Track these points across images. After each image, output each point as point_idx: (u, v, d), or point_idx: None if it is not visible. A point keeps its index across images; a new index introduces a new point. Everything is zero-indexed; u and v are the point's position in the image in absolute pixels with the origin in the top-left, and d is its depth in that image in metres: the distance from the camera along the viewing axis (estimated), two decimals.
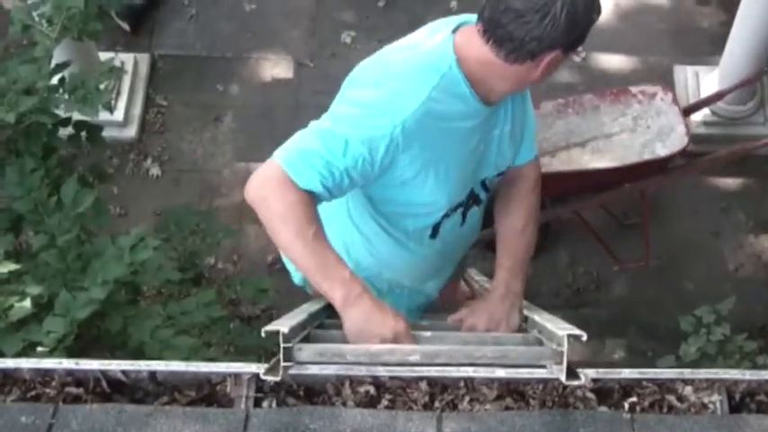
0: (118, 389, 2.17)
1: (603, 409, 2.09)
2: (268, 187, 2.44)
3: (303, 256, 2.41)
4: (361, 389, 2.10)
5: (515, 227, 2.87)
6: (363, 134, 2.43)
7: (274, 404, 2.09)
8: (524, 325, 2.66)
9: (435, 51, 2.49)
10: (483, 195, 2.88)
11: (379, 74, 2.55)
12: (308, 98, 5.30)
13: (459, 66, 2.47)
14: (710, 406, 2.10)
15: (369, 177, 2.50)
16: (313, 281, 2.44)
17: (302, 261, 2.42)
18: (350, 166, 2.43)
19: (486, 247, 3.87)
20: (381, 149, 2.44)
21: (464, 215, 2.87)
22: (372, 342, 2.30)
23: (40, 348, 2.75)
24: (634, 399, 2.10)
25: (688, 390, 2.12)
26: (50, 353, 2.72)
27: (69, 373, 2.15)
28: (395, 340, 2.31)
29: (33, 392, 2.13)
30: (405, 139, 2.44)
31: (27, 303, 2.81)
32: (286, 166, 2.41)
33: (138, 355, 2.87)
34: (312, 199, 2.44)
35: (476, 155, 2.67)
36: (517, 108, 2.71)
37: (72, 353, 2.74)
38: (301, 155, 2.43)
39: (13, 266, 2.90)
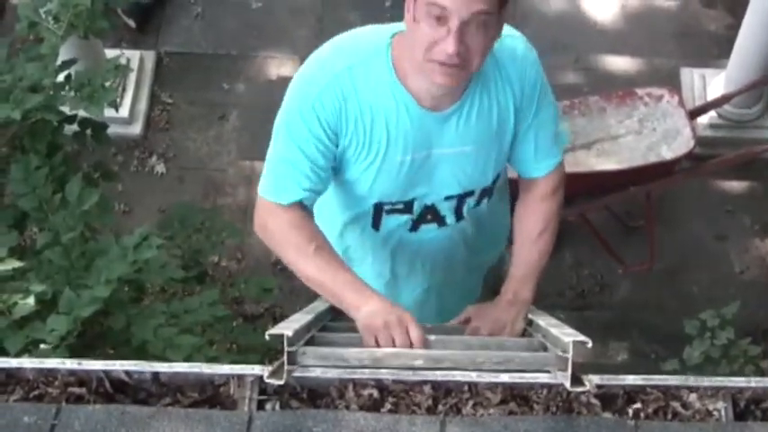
0: (121, 389, 2.16)
1: (607, 415, 2.08)
2: (262, 219, 2.60)
3: (309, 274, 2.50)
4: (365, 392, 2.09)
5: (529, 234, 2.80)
6: (292, 112, 2.50)
7: (278, 406, 2.08)
8: (529, 329, 2.65)
9: (370, 39, 2.52)
10: (450, 219, 2.81)
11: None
12: None
13: (393, 62, 2.47)
14: (715, 413, 2.09)
15: (331, 154, 2.53)
16: (324, 295, 2.51)
17: (310, 278, 2.50)
18: (306, 152, 2.50)
19: None
20: (318, 126, 2.48)
21: (415, 224, 2.80)
22: (381, 330, 2.31)
23: (43, 346, 2.75)
24: (638, 405, 2.09)
25: (693, 397, 2.11)
26: (53, 350, 2.72)
27: (72, 372, 2.14)
28: (400, 325, 2.30)
29: (36, 392, 2.12)
30: (331, 102, 2.46)
31: (31, 301, 2.81)
32: (265, 194, 2.57)
33: (141, 353, 2.87)
34: (303, 211, 2.54)
35: (410, 166, 2.59)
36: (508, 122, 2.60)
37: (75, 351, 2.74)
38: (271, 175, 2.57)
39: (17, 264, 2.89)
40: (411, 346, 2.28)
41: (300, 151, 2.50)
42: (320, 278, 2.47)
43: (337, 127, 2.50)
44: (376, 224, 2.82)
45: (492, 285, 3.24)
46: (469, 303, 2.91)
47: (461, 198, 2.75)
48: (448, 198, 2.73)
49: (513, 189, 2.94)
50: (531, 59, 2.57)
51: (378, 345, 2.31)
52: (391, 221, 2.79)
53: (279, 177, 2.55)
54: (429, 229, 2.83)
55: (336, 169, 2.63)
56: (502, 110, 2.56)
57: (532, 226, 2.79)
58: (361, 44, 2.53)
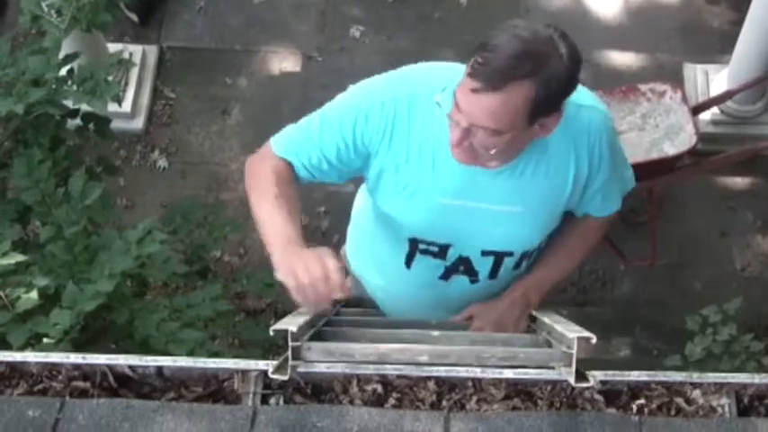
0: (125, 384, 2.17)
1: (611, 410, 2.08)
2: (251, 160, 2.61)
3: (260, 209, 2.46)
4: (369, 387, 2.10)
5: (565, 247, 2.74)
6: (341, 108, 2.49)
7: (281, 401, 2.08)
8: (533, 326, 2.64)
9: (443, 76, 2.38)
10: (483, 275, 2.71)
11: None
12: (315, 92, 5.28)
13: None
14: (719, 409, 2.09)
15: (346, 162, 2.51)
16: (262, 233, 2.44)
17: (259, 214, 2.46)
18: (325, 145, 2.49)
19: None
20: (353, 127, 2.45)
21: (447, 272, 2.72)
22: (296, 264, 2.26)
23: (46, 340, 2.75)
24: (642, 401, 2.10)
25: (696, 393, 2.11)
26: (56, 345, 2.72)
27: (76, 367, 2.14)
28: (317, 257, 2.25)
29: (40, 386, 2.12)
30: (377, 120, 2.43)
31: (34, 295, 2.81)
32: (271, 139, 2.58)
33: (144, 347, 2.87)
34: (288, 167, 2.53)
35: (450, 212, 2.53)
36: (564, 191, 2.51)
37: (78, 345, 2.75)
38: (286, 132, 2.58)
39: (20, 258, 2.89)
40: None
41: (321, 138, 2.49)
42: (266, 219, 2.42)
43: (372, 146, 2.46)
44: (408, 261, 2.74)
45: None
46: None
47: (500, 257, 2.66)
48: (485, 254, 2.65)
49: None
50: (605, 134, 2.49)
51: (299, 288, 2.26)
52: (423, 263, 2.71)
53: (290, 137, 2.55)
54: (460, 281, 2.74)
55: (373, 192, 2.60)
56: (560, 179, 2.48)
57: (574, 240, 2.73)
58: (434, 77, 2.42)
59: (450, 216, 2.53)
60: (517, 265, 2.72)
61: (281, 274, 2.29)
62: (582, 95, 2.43)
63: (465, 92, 2.20)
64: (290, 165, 2.54)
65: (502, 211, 2.51)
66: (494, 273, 2.71)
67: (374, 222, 2.76)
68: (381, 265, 2.88)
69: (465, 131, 2.25)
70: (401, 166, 2.47)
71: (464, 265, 2.69)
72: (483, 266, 2.69)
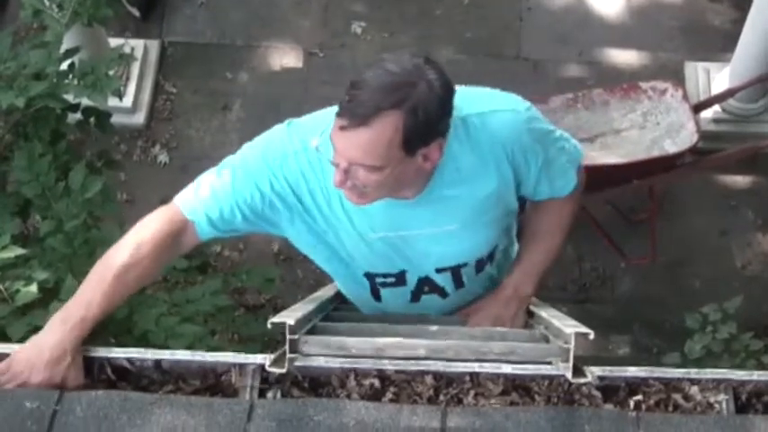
0: (123, 376, 2.18)
1: (609, 406, 2.08)
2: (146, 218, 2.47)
3: (95, 266, 2.39)
4: (366, 382, 2.10)
5: (539, 231, 2.72)
6: (247, 167, 2.40)
7: (279, 395, 2.09)
8: (531, 321, 2.64)
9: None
10: (450, 288, 2.70)
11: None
12: (316, 88, 5.30)
13: None
14: (717, 406, 2.09)
15: (260, 216, 2.41)
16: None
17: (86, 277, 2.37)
18: (239, 201, 2.38)
19: None
20: (266, 182, 2.38)
21: (414, 295, 2.70)
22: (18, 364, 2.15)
23: None
24: (640, 397, 2.10)
25: (694, 389, 2.11)
26: None
27: None
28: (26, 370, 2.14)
29: None
30: (288, 173, 2.37)
31: (33, 288, 2.80)
32: (176, 197, 2.46)
33: (143, 342, 2.87)
34: (182, 227, 2.42)
35: (386, 243, 2.49)
36: (494, 197, 2.47)
37: None
38: (195, 188, 2.44)
39: (19, 251, 2.89)
40: None
41: (233, 196, 2.39)
42: (84, 283, 2.34)
43: (284, 202, 2.40)
44: (375, 294, 2.72)
45: None
46: None
47: (455, 270, 2.65)
48: (440, 271, 2.63)
49: None
50: (520, 131, 2.42)
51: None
52: (390, 293, 2.70)
53: (198, 195, 2.42)
54: (432, 299, 2.73)
55: (316, 243, 2.53)
56: (484, 191, 2.43)
57: (545, 223, 2.71)
58: (321, 124, 2.36)
59: (389, 247, 2.51)
60: (480, 270, 2.70)
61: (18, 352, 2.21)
62: (483, 101, 2.41)
63: (336, 132, 2.17)
64: (187, 224, 2.42)
65: (436, 233, 2.48)
66: (458, 283, 2.70)
67: (332, 268, 2.70)
68: (358, 302, 2.86)
69: (344, 172, 2.21)
70: (318, 217, 2.43)
71: (427, 285, 2.67)
72: (445, 281, 2.68)
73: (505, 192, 2.48)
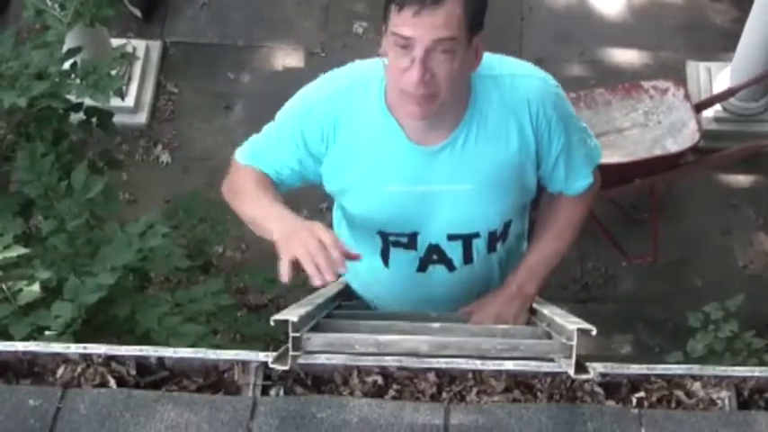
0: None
1: (611, 403, 2.09)
2: (227, 180, 2.68)
3: (247, 210, 2.53)
4: (369, 379, 2.10)
5: (550, 229, 2.74)
6: (287, 113, 2.55)
7: (282, 392, 2.09)
8: (533, 318, 2.64)
9: (376, 64, 2.41)
10: (458, 262, 2.72)
11: None
12: None
13: (386, 91, 2.44)
14: (719, 402, 2.09)
15: (303, 161, 2.54)
16: (256, 226, 2.49)
17: (248, 214, 2.53)
18: (282, 149, 2.54)
19: None
20: (300, 130, 2.50)
21: (422, 263, 2.73)
22: (296, 245, 2.27)
23: (47, 333, 2.76)
24: (642, 394, 2.10)
25: (696, 386, 2.11)
26: (58, 337, 2.73)
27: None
28: (312, 232, 2.27)
29: (41, 376, 2.13)
30: (321, 115, 2.47)
31: (36, 287, 2.82)
32: (238, 156, 2.66)
33: (146, 341, 2.87)
34: (260, 171, 2.60)
35: (404, 198, 2.55)
36: (512, 165, 2.51)
37: (79, 338, 2.75)
38: (251, 143, 2.65)
39: (22, 250, 2.90)
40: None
41: (279, 144, 2.55)
42: (255, 212, 2.49)
43: (320, 143, 2.49)
44: (385, 259, 2.75)
45: None
46: None
47: (467, 240, 2.67)
48: (452, 238, 2.66)
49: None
50: (547, 99, 2.48)
51: (296, 265, 2.28)
52: (398, 257, 2.72)
53: (254, 147, 2.62)
54: (438, 272, 2.75)
55: (336, 193, 2.63)
56: (503, 152, 2.48)
57: (554, 222, 2.73)
58: (366, 69, 2.48)
59: (404, 204, 2.55)
60: (491, 248, 2.73)
61: (281, 253, 2.31)
62: (517, 66, 2.48)
63: (407, 22, 2.22)
64: (261, 171, 2.60)
65: (452, 191, 2.53)
66: (467, 257, 2.72)
67: (348, 228, 2.77)
68: (365, 271, 2.87)
69: (422, 63, 2.24)
70: (348, 161, 2.50)
71: (436, 254, 2.70)
72: (454, 252, 2.70)
73: (525, 162, 2.52)
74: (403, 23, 2.22)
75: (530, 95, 2.45)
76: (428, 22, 2.20)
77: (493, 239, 2.70)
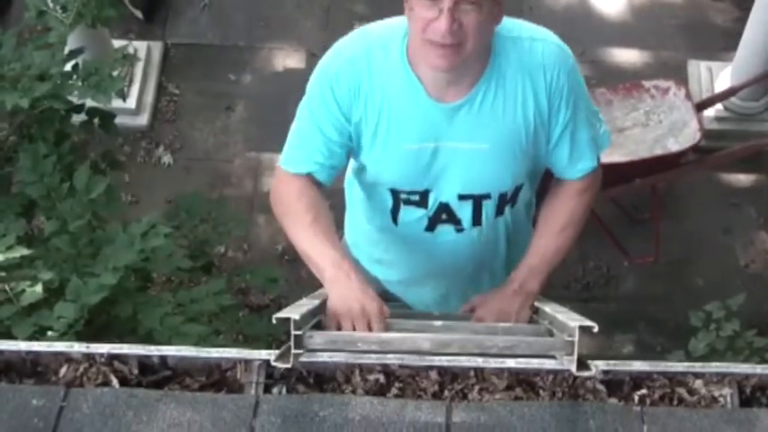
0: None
1: (613, 401, 2.09)
2: (275, 188, 2.69)
3: (299, 244, 2.55)
4: (371, 377, 2.10)
5: (552, 227, 2.75)
6: (313, 88, 2.59)
7: (284, 391, 2.09)
8: (535, 316, 2.65)
9: (392, 25, 2.54)
10: (467, 223, 2.77)
11: None
12: None
13: (407, 49, 2.50)
14: (721, 399, 2.09)
15: (346, 131, 2.58)
16: (309, 264, 2.53)
17: (300, 246, 2.54)
18: (322, 127, 2.57)
19: None
20: (333, 99, 2.54)
21: (431, 222, 2.78)
22: (344, 317, 2.34)
23: (50, 333, 2.76)
24: (644, 391, 2.10)
25: (698, 383, 2.11)
26: (61, 338, 2.73)
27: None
28: (362, 315, 2.33)
29: (44, 375, 2.13)
30: (346, 81, 2.52)
31: (38, 288, 2.82)
32: (282, 163, 2.66)
33: (148, 341, 2.87)
34: (312, 183, 2.61)
35: (419, 156, 2.60)
36: (527, 127, 2.56)
37: (82, 338, 2.75)
38: (288, 145, 2.66)
39: (24, 251, 2.91)
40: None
41: (316, 126, 2.58)
42: (308, 250, 2.52)
43: (351, 106, 2.54)
44: (394, 216, 2.80)
45: None
46: None
47: (477, 200, 2.72)
48: (462, 198, 2.70)
49: (545, 180, 2.90)
50: (564, 66, 2.51)
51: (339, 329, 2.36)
52: (408, 215, 2.77)
53: (294, 148, 2.64)
54: (446, 232, 2.79)
55: (354, 150, 2.66)
56: (520, 114, 2.53)
57: (556, 219, 2.75)
58: (384, 29, 2.56)
59: (420, 160, 2.60)
60: (499, 212, 2.77)
61: (328, 316, 2.39)
62: (535, 30, 2.54)
63: None
64: (308, 177, 2.62)
65: (468, 149, 2.57)
66: (476, 219, 2.76)
67: (360, 186, 2.84)
68: (373, 234, 2.97)
69: (451, 11, 2.31)
70: (370, 117, 2.55)
71: (446, 213, 2.74)
72: (464, 212, 2.74)
73: (539, 127, 2.57)
74: None
75: (546, 61, 2.50)
76: None
77: (503, 202, 2.74)
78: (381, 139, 2.57)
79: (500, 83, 2.49)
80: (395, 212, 2.79)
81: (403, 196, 2.72)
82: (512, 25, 2.50)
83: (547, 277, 2.75)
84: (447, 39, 2.32)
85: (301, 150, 2.62)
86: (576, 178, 2.72)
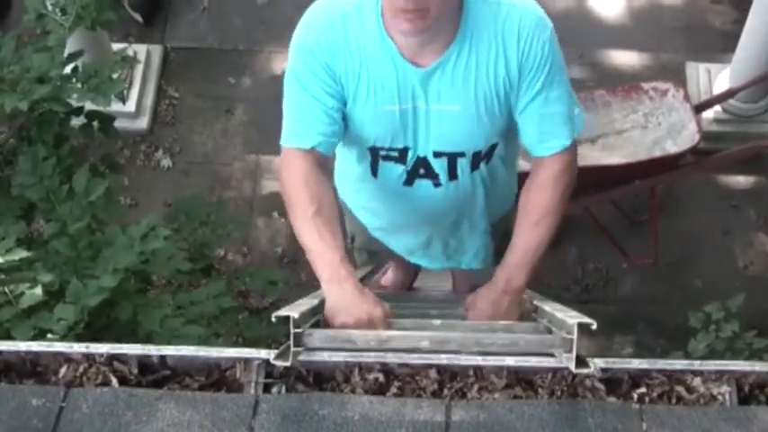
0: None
1: (612, 399, 2.09)
2: (281, 175, 2.65)
3: (302, 237, 2.54)
4: (371, 376, 2.10)
5: (528, 220, 2.73)
6: (296, 60, 2.59)
7: (283, 390, 2.09)
8: (534, 315, 2.65)
9: None
10: (443, 178, 2.80)
11: None
12: None
13: (382, 13, 2.51)
14: (720, 397, 2.09)
15: (338, 93, 2.58)
16: (308, 258, 2.54)
17: (301, 239, 2.54)
18: (316, 95, 2.57)
19: None
20: (320, 63, 2.54)
21: (410, 177, 2.81)
22: (347, 321, 2.36)
23: (50, 335, 2.76)
24: (643, 389, 2.10)
25: (697, 381, 2.11)
26: (60, 340, 2.73)
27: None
28: (369, 324, 2.35)
29: (44, 376, 2.14)
30: (327, 44, 2.53)
31: (38, 291, 2.82)
32: (284, 141, 2.64)
33: (148, 343, 2.87)
34: (315, 164, 2.60)
35: (398, 116, 2.63)
36: (497, 92, 2.58)
37: (82, 340, 2.75)
38: (287, 122, 2.65)
39: (24, 254, 2.91)
40: None
41: (309, 94, 2.58)
42: (308, 244, 2.52)
43: (334, 67, 2.55)
44: (374, 170, 2.84)
45: (503, 229, 3.15)
46: (479, 243, 3.10)
47: (452, 157, 2.75)
48: (437, 155, 2.74)
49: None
50: (539, 36, 2.53)
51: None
52: (387, 169, 2.81)
53: (295, 122, 2.63)
54: (424, 186, 2.83)
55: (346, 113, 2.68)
56: (492, 77, 2.55)
57: (532, 211, 2.73)
58: None
59: (397, 120, 2.63)
60: (474, 167, 2.80)
61: (328, 318, 2.41)
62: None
63: None
64: (312, 155, 2.60)
65: (441, 110, 2.60)
66: (452, 174, 2.80)
67: (343, 144, 2.83)
68: (355, 183, 3.01)
69: None
70: (350, 80, 2.56)
71: (423, 168, 2.78)
72: (440, 167, 2.78)
73: (510, 92, 2.59)
74: None
75: (522, 28, 2.51)
76: None
77: (477, 159, 2.78)
78: (361, 101, 2.59)
79: (473, 46, 2.51)
80: (374, 167, 2.83)
81: (382, 153, 2.76)
82: None
83: (533, 269, 2.74)
84: (410, 4, 2.34)
85: (302, 124, 2.61)
86: (548, 155, 2.69)
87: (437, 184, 2.83)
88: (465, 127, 2.65)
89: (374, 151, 2.76)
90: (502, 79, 2.55)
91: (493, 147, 2.77)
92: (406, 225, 3.09)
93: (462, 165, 2.78)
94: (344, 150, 2.90)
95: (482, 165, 2.82)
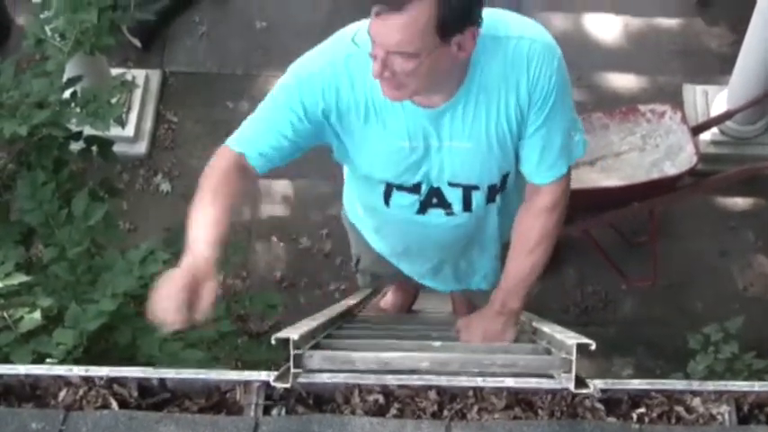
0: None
1: (612, 419, 2.09)
2: (212, 159, 2.60)
3: (190, 215, 2.44)
4: (370, 397, 2.11)
5: (522, 247, 2.74)
6: (284, 82, 2.58)
7: (284, 412, 2.09)
8: (533, 336, 2.65)
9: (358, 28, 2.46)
10: (457, 208, 2.78)
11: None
12: None
13: None
14: (719, 417, 2.10)
15: (303, 132, 2.54)
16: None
17: (189, 217, 2.45)
18: (279, 119, 2.54)
19: None
20: (299, 98, 2.51)
21: (422, 206, 2.78)
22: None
23: (49, 360, 2.76)
24: (643, 410, 2.10)
25: (696, 401, 2.12)
26: (59, 364, 2.73)
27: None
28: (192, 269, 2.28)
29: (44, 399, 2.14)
30: (320, 86, 2.49)
31: (37, 315, 2.82)
32: (230, 140, 2.61)
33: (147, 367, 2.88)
34: (239, 166, 2.56)
35: (410, 153, 2.60)
36: (509, 126, 2.55)
37: (81, 365, 2.75)
38: (242, 126, 2.63)
39: (23, 278, 2.91)
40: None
41: (275, 116, 2.55)
42: (188, 226, 2.42)
43: (322, 111, 2.51)
44: (387, 200, 2.81)
45: None
46: (488, 266, 3.08)
47: (467, 189, 2.73)
48: (452, 185, 2.72)
49: None
50: (548, 67, 2.48)
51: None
52: (400, 199, 2.78)
53: (245, 128, 2.61)
54: (437, 214, 2.81)
55: (342, 152, 2.66)
56: (503, 115, 2.52)
57: (527, 238, 2.73)
58: (364, 35, 2.47)
59: (410, 156, 2.60)
60: (490, 200, 2.78)
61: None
62: (526, 28, 2.50)
63: (373, 20, 2.27)
64: (242, 157, 2.57)
65: (454, 147, 2.58)
66: (466, 205, 2.78)
67: (353, 176, 2.86)
68: (367, 209, 3.01)
69: (382, 62, 2.30)
70: (354, 123, 2.54)
71: (436, 197, 2.75)
72: (454, 198, 2.75)
73: (521, 122, 2.55)
74: (372, 18, 2.28)
75: (530, 59, 2.46)
76: (387, 26, 2.25)
77: (492, 192, 2.76)
78: (371, 139, 2.57)
79: (482, 85, 2.47)
80: (387, 197, 2.81)
81: (396, 183, 2.74)
82: (497, 23, 2.44)
83: (528, 294, 2.75)
84: (379, 74, 2.32)
85: (255, 133, 2.58)
86: (545, 184, 2.68)
87: (449, 213, 2.80)
88: (478, 161, 2.62)
89: (387, 185, 2.75)
90: (513, 113, 2.51)
91: (506, 176, 2.74)
92: (418, 251, 3.08)
93: (478, 198, 2.75)
94: (356, 179, 2.89)
95: (498, 197, 2.79)
